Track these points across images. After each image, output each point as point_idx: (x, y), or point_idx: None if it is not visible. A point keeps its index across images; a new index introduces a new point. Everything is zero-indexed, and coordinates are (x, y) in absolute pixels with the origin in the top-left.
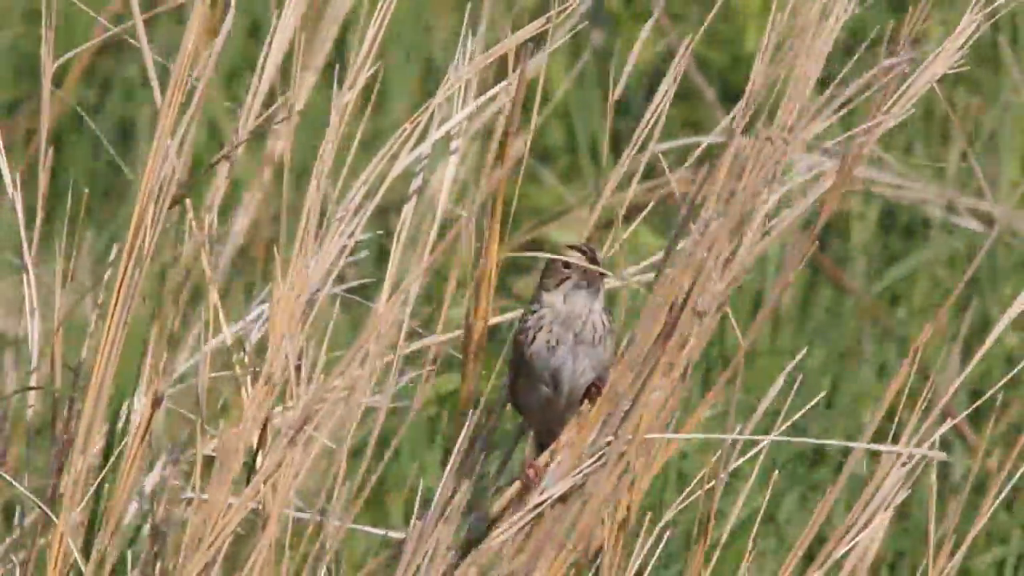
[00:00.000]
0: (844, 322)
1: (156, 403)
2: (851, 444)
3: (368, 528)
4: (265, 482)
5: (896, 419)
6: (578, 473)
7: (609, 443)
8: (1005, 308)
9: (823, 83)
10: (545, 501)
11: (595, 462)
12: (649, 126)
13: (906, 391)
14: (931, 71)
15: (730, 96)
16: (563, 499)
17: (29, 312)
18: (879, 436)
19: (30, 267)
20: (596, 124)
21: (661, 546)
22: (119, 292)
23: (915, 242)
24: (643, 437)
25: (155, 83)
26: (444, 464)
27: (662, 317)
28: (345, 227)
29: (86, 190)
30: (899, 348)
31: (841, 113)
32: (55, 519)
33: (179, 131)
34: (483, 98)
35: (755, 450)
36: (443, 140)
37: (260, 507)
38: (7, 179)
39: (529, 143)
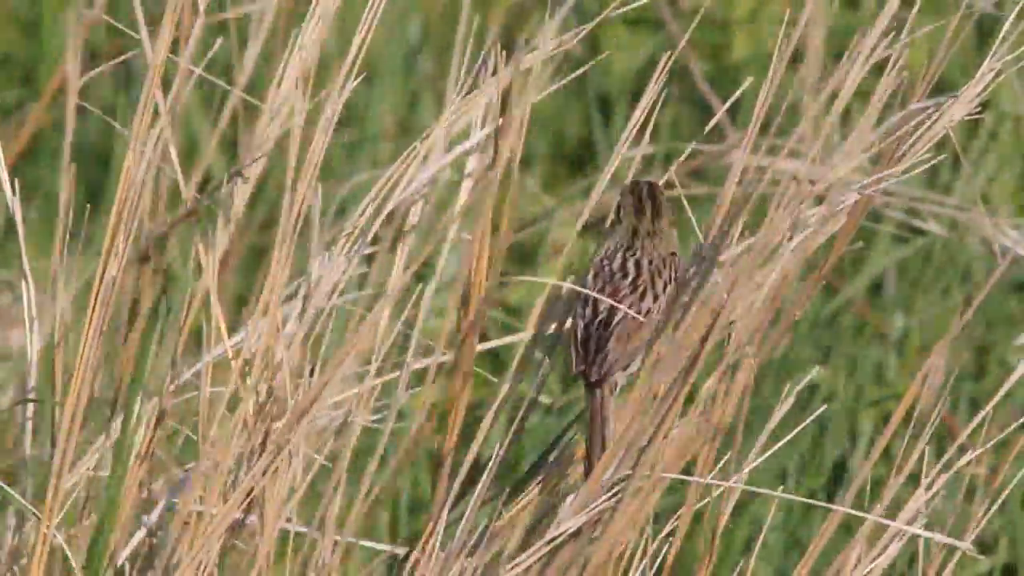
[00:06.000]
0: (842, 329)
1: (160, 418)
2: (862, 514)
3: (369, 543)
4: (251, 492)
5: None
6: (593, 508)
7: (626, 479)
8: (1007, 323)
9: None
10: (561, 535)
11: (611, 498)
12: (633, 131)
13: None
14: (948, 117)
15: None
16: (577, 534)
17: (28, 323)
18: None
19: (29, 277)
20: (578, 130)
21: (658, 560)
22: (94, 305)
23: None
24: (659, 476)
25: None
26: (432, 475)
27: (683, 354)
28: (351, 244)
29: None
30: (898, 353)
31: (868, 155)
32: (39, 516)
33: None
34: (487, 129)
35: (759, 460)
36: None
37: (253, 520)
38: (7, 188)
39: (518, 155)
